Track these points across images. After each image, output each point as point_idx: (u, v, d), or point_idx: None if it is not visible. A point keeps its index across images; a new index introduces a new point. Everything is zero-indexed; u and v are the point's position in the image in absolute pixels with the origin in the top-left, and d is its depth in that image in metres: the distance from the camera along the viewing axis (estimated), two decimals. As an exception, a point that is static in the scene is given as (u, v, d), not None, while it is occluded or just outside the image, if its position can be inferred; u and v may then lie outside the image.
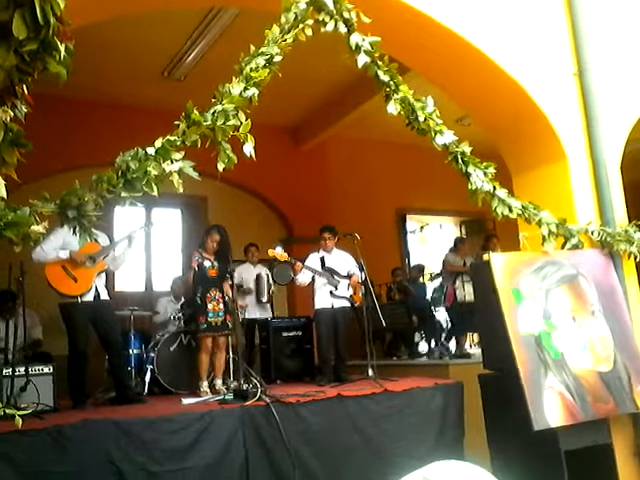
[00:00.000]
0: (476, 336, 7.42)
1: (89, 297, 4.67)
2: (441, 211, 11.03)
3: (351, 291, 6.03)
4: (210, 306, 5.14)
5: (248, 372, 5.05)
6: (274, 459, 3.87)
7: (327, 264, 6.01)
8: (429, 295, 8.11)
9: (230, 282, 5.28)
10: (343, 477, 4.06)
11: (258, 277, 6.70)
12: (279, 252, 5.80)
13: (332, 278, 5.92)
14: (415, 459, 4.09)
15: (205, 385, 5.08)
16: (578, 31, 4.83)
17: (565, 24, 4.89)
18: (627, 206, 4.78)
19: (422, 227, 11.45)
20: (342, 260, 6.12)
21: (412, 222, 11.19)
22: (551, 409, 3.67)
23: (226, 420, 3.81)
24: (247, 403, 3.99)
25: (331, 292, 5.91)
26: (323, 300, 5.91)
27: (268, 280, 6.75)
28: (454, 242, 7.74)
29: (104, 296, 4.81)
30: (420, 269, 8.81)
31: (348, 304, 6.00)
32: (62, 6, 1.70)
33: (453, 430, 4.65)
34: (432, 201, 10.38)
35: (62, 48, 1.79)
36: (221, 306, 5.19)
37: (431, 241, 11.45)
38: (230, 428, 3.79)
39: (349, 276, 6.02)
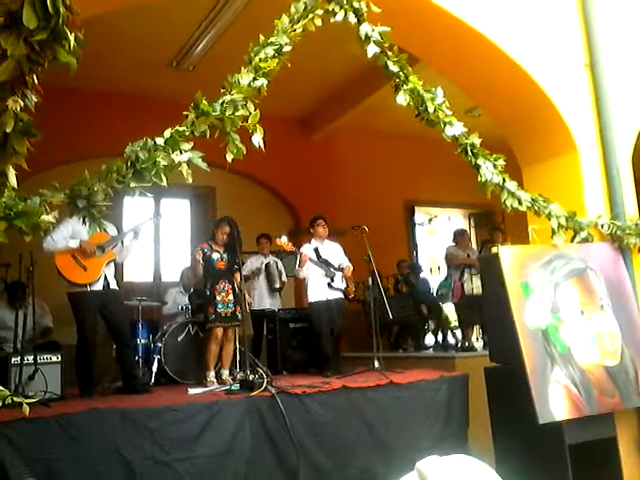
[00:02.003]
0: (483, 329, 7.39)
1: (98, 286, 4.70)
2: (449, 203, 10.98)
3: (344, 283, 5.98)
4: (219, 297, 5.16)
5: (254, 363, 5.07)
6: (279, 449, 3.89)
7: (322, 255, 5.95)
8: (435, 290, 8.09)
9: (241, 273, 5.29)
10: (348, 468, 4.08)
11: (268, 265, 6.70)
12: (284, 241, 5.78)
13: (329, 270, 5.89)
14: (419, 451, 4.10)
15: (212, 375, 5.10)
16: (590, 22, 4.79)
17: (577, 15, 4.85)
18: (638, 199, 4.75)
19: (430, 219, 11.42)
20: (334, 251, 6.09)
21: (420, 214, 11.16)
22: (556, 403, 3.67)
23: (232, 410, 3.83)
24: (253, 393, 4.02)
25: (329, 284, 5.84)
26: (319, 292, 5.82)
27: (278, 267, 6.75)
28: (453, 235, 7.66)
29: (113, 286, 4.83)
30: (418, 269, 8.76)
31: (342, 296, 5.95)
32: (72, -5, 1.71)
33: (458, 422, 4.65)
34: (440, 193, 10.33)
35: (72, 38, 1.79)
36: (230, 297, 5.21)
37: (440, 233, 11.41)
38: (236, 418, 3.81)
39: (341, 268, 5.97)
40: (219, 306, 5.14)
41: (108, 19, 4.42)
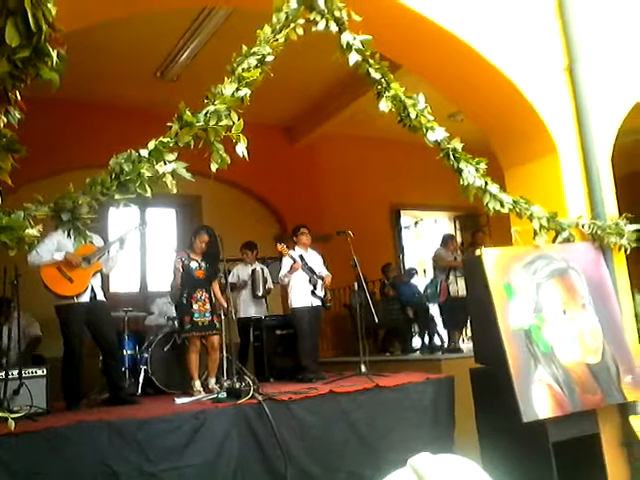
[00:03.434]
0: (468, 331, 7.45)
1: (85, 298, 4.68)
2: (435, 206, 11.06)
3: (323, 292, 6.01)
4: (196, 306, 5.10)
5: (241, 370, 5.07)
6: (267, 456, 3.89)
7: (307, 263, 5.98)
8: (422, 291, 8.15)
9: (220, 283, 5.28)
10: (336, 473, 4.09)
11: (253, 272, 6.71)
12: (284, 247, 5.81)
13: (313, 277, 5.91)
14: (407, 453, 4.06)
15: (198, 384, 5.08)
16: (568, 26, 4.86)
17: (555, 19, 4.92)
18: (618, 199, 4.82)
19: (416, 222, 11.50)
20: (316, 259, 6.13)
21: (406, 217, 11.23)
22: (540, 401, 3.73)
23: (219, 419, 3.83)
24: (240, 401, 4.01)
25: (312, 291, 5.87)
26: (302, 298, 5.84)
27: (263, 274, 6.75)
28: (443, 238, 7.78)
29: (100, 297, 4.81)
30: (411, 274, 8.83)
31: (321, 304, 5.98)
32: (54, 13, 1.72)
33: (444, 424, 4.69)
34: (426, 196, 10.41)
35: (54, 54, 1.80)
36: (207, 306, 5.16)
37: (426, 236, 11.49)
38: (223, 426, 3.81)
39: (321, 277, 6.00)
40: (195, 315, 5.09)
41: (91, 30, 4.40)
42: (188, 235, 8.48)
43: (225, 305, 5.29)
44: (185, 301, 5.15)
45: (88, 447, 3.37)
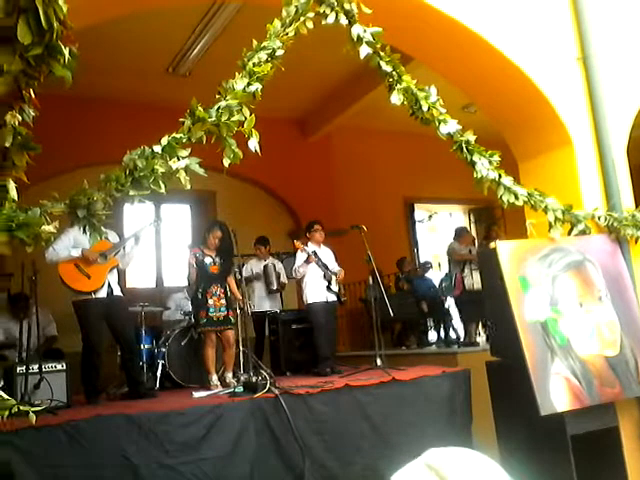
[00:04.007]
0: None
1: (102, 293, 4.73)
2: (449, 199, 11.00)
3: (337, 287, 6.00)
4: (211, 301, 5.15)
5: (257, 365, 5.09)
6: (284, 450, 3.92)
7: (320, 259, 5.98)
8: (437, 284, 8.13)
9: (235, 277, 5.31)
10: (352, 466, 4.11)
11: (265, 267, 6.74)
12: (300, 243, 5.83)
13: (327, 272, 5.92)
14: (423, 446, 4.10)
15: (215, 378, 5.12)
16: (581, 16, 4.80)
17: (568, 9, 4.86)
18: (634, 190, 4.77)
19: (430, 216, 11.44)
20: (329, 256, 6.13)
21: (421, 211, 11.18)
22: (557, 394, 3.70)
23: (236, 412, 3.86)
24: (257, 395, 4.04)
25: (328, 286, 5.88)
26: (318, 294, 5.85)
27: (276, 269, 6.78)
28: (456, 232, 7.72)
29: (117, 292, 4.86)
30: (426, 267, 8.82)
31: (337, 299, 5.99)
32: (65, 10, 1.74)
33: (461, 417, 4.68)
34: (440, 189, 10.36)
35: (66, 51, 1.82)
36: (223, 301, 5.20)
37: (441, 229, 11.44)
38: (240, 420, 3.84)
39: (335, 272, 6.00)
40: (211, 310, 5.13)
41: (103, 27, 4.45)
42: (203, 231, 8.59)
43: (241, 298, 5.33)
44: (200, 296, 5.19)
45: (107, 440, 3.43)
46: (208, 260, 5.29)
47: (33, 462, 3.19)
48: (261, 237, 7.01)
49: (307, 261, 5.82)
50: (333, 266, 6.07)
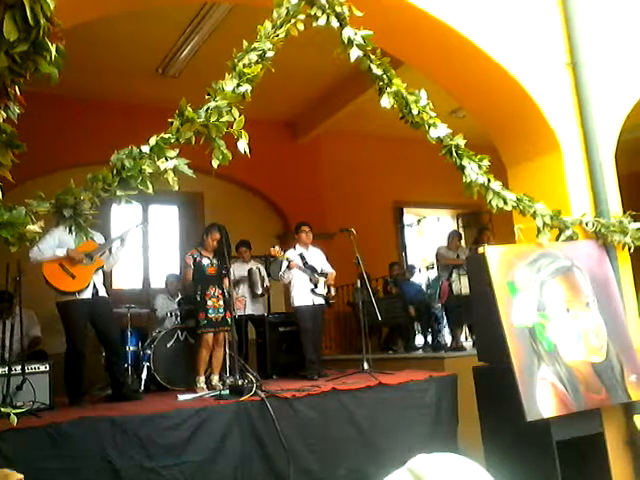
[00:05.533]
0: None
1: (87, 294, 4.69)
2: (438, 204, 11.05)
3: (326, 289, 5.99)
4: (210, 303, 5.19)
5: (244, 367, 5.07)
6: (269, 453, 3.90)
7: (307, 261, 5.97)
8: (425, 287, 8.14)
9: (229, 279, 5.32)
10: (338, 470, 4.10)
11: (250, 271, 6.70)
12: (278, 250, 5.80)
13: (314, 275, 5.91)
14: (409, 451, 4.08)
15: (202, 381, 5.11)
16: (571, 21, 4.83)
17: (558, 15, 4.89)
18: (621, 197, 4.79)
19: (419, 220, 11.46)
20: (318, 257, 6.11)
21: (409, 215, 11.21)
22: (544, 400, 3.70)
23: (222, 415, 3.84)
24: (242, 398, 4.02)
25: (313, 290, 5.85)
26: (304, 297, 5.84)
27: (260, 273, 6.74)
28: (448, 235, 7.77)
29: (102, 293, 4.82)
30: (412, 271, 8.84)
31: (324, 302, 5.97)
32: (52, 7, 1.71)
33: (447, 422, 4.69)
34: (429, 194, 10.38)
35: (53, 49, 1.79)
36: (221, 302, 5.25)
37: (429, 234, 11.47)
38: (226, 423, 3.82)
39: (324, 274, 5.99)
40: (210, 311, 5.17)
41: (92, 26, 4.41)
42: (191, 232, 8.56)
43: (238, 302, 5.36)
44: (199, 298, 5.22)
45: (90, 442, 3.39)
46: (206, 261, 5.33)
47: (14, 464, 3.13)
48: (244, 240, 6.97)
49: (289, 267, 5.80)
50: (324, 267, 6.05)
